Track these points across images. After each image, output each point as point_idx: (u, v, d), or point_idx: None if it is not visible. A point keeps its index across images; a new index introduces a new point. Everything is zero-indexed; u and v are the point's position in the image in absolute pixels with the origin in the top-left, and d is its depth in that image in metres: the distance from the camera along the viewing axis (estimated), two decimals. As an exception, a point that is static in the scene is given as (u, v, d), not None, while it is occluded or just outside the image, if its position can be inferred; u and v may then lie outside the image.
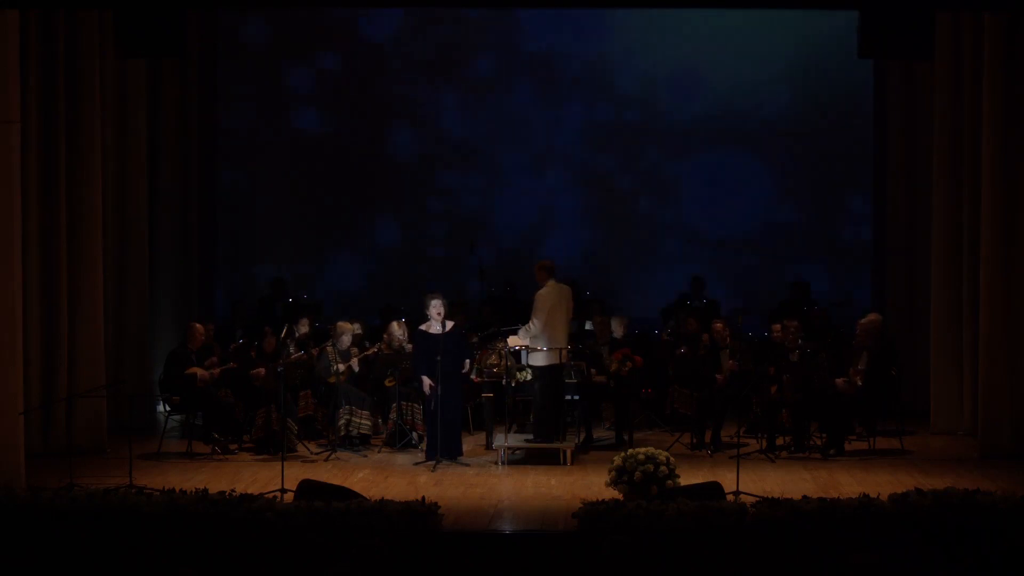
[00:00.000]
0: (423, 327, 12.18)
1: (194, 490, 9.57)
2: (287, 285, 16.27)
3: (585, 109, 16.80)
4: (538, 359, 12.30)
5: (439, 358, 11.85)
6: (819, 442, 12.37)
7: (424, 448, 12.25)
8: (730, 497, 9.88)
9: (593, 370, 12.89)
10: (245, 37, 16.80)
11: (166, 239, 15.13)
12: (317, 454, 12.37)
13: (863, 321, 12.67)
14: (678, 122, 16.75)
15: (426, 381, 12.03)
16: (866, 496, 9.39)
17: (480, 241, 16.20)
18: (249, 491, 9.76)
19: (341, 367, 12.80)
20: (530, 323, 12.31)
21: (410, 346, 13.13)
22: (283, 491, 10.17)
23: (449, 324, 12.13)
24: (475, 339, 13.35)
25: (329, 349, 12.91)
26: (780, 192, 16.73)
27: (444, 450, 11.89)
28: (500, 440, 12.30)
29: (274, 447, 12.13)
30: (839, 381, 12.34)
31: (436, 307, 12.08)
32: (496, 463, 11.98)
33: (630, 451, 10.02)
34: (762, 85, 16.53)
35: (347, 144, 16.95)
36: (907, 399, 13.63)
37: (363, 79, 16.89)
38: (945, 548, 8.89)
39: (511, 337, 12.63)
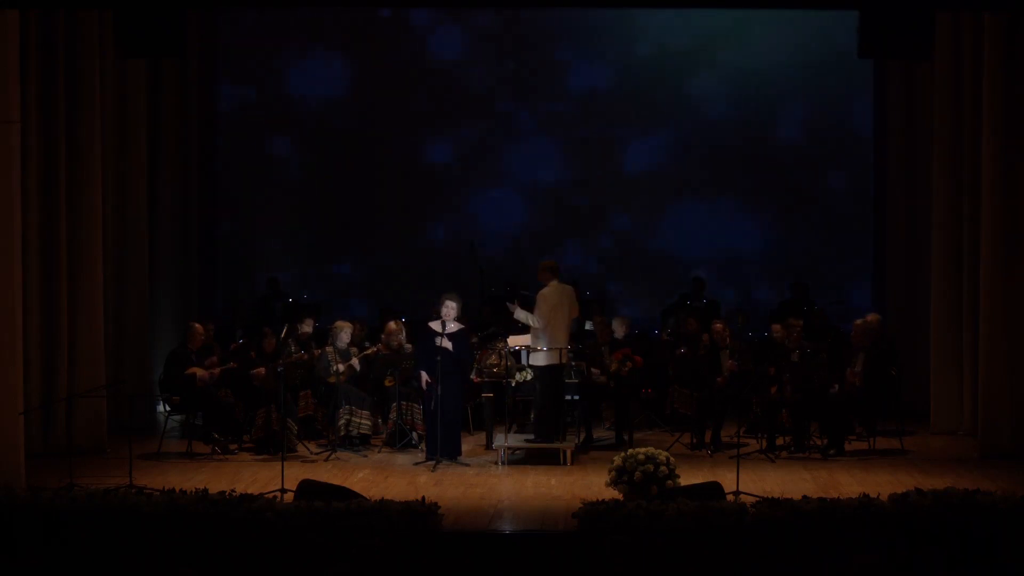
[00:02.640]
0: (431, 323, 12.17)
1: (194, 490, 9.56)
2: (282, 284, 16.28)
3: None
4: (538, 359, 12.30)
5: (439, 358, 11.85)
6: (819, 442, 12.37)
7: (424, 448, 12.26)
8: (730, 497, 9.88)
9: (595, 370, 12.87)
10: (246, 34, 16.86)
11: (166, 239, 15.13)
12: (317, 454, 12.37)
13: (859, 322, 12.68)
14: (675, 120, 16.79)
15: (424, 376, 12.02)
16: (866, 496, 9.39)
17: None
18: (249, 491, 9.76)
19: (341, 367, 12.80)
20: (534, 319, 12.32)
21: (409, 346, 13.15)
22: (283, 491, 10.17)
23: (455, 325, 12.12)
24: (475, 339, 13.35)
25: (329, 349, 12.91)
26: (780, 192, 16.75)
27: (444, 450, 11.88)
28: (500, 440, 12.30)
29: (274, 447, 12.13)
30: (835, 387, 12.34)
31: (447, 307, 12.08)
32: (496, 463, 11.98)
33: (630, 451, 10.02)
34: (761, 85, 16.54)
35: (348, 143, 17.00)
36: (907, 399, 13.62)
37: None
38: (945, 548, 8.89)
39: (511, 337, 12.63)
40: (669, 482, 9.81)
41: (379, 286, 16.83)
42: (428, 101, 16.93)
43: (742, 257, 16.80)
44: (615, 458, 10.02)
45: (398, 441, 12.75)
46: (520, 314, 12.39)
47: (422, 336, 12.29)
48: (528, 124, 16.95)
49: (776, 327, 13.20)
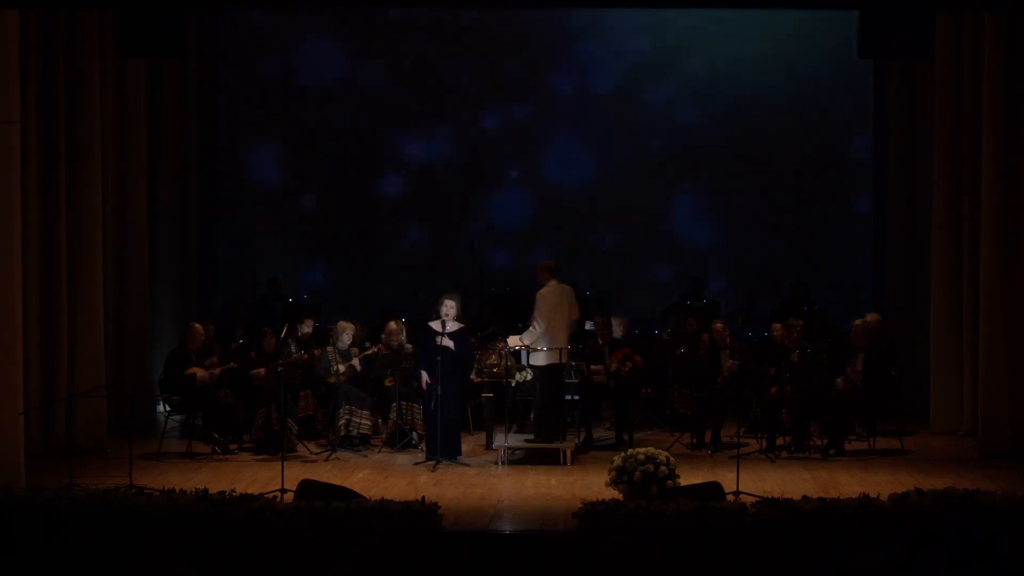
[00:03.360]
0: (431, 323, 12.17)
1: (194, 490, 9.56)
2: (281, 285, 16.27)
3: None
4: (538, 359, 12.30)
5: (439, 358, 11.85)
6: (819, 442, 12.37)
7: (424, 448, 12.25)
8: (730, 497, 9.88)
9: (596, 368, 12.86)
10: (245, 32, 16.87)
11: (166, 239, 15.13)
12: (317, 454, 12.37)
13: (859, 322, 12.68)
14: (676, 121, 16.79)
15: (424, 376, 12.02)
16: (866, 496, 9.39)
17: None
18: (249, 491, 9.76)
19: (341, 367, 12.80)
20: (533, 324, 12.30)
21: (409, 346, 13.15)
22: (283, 491, 10.17)
23: (455, 325, 12.12)
24: (475, 339, 13.34)
25: (330, 349, 12.91)
26: (781, 191, 16.75)
27: (444, 450, 11.88)
28: (500, 440, 12.30)
29: (274, 447, 12.13)
30: (839, 381, 12.34)
31: (447, 307, 12.08)
32: (496, 463, 11.98)
33: (630, 451, 10.02)
34: (762, 85, 16.53)
35: (348, 142, 17.00)
36: (907, 399, 13.62)
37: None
38: (945, 548, 8.89)
39: (511, 337, 12.63)
40: (669, 482, 9.81)
41: (379, 286, 16.81)
42: (428, 100, 16.91)
43: (741, 256, 16.79)
44: (615, 458, 10.02)
45: (398, 441, 12.75)
46: (526, 337, 12.35)
47: (422, 336, 12.29)
48: (534, 123, 16.93)
49: (776, 327, 13.19)
